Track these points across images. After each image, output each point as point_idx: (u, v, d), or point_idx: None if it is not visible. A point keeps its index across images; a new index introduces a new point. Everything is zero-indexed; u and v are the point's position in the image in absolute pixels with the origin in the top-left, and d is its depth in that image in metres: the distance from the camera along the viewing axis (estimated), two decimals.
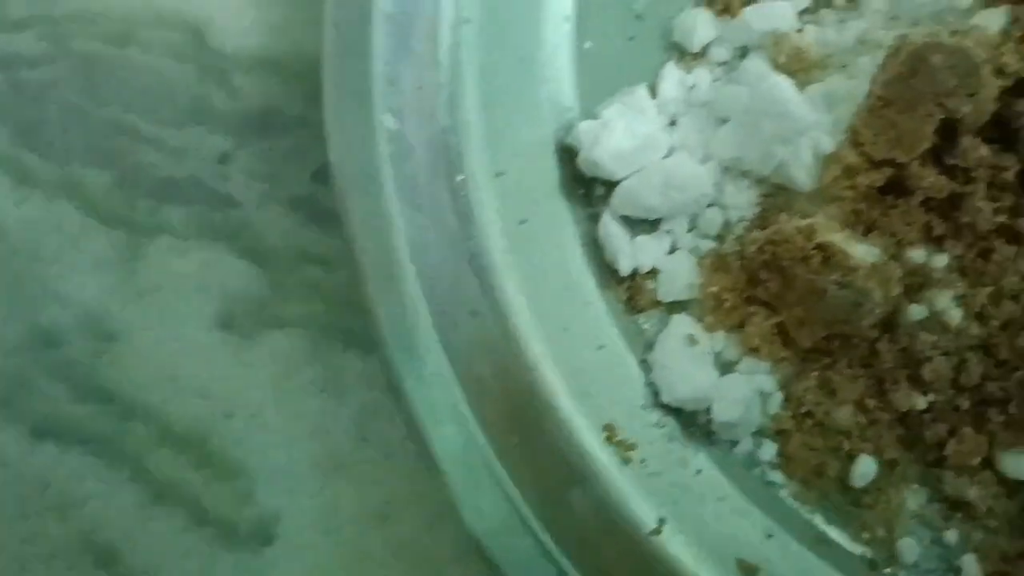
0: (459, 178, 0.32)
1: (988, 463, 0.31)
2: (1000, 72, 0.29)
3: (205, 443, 0.36)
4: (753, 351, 0.32)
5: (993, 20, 0.29)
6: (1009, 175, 0.30)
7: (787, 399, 0.32)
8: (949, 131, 0.30)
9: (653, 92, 0.34)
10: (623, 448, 0.32)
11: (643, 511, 0.31)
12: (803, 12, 0.34)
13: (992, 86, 0.29)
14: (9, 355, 0.38)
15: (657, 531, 0.31)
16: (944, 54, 0.28)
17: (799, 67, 0.32)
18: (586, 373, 0.32)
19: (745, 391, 0.32)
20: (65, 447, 0.37)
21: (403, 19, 0.33)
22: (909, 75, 0.29)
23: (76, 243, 0.38)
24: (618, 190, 0.33)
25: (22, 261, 0.38)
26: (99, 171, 0.39)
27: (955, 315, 0.30)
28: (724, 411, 0.31)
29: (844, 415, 0.32)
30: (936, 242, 0.31)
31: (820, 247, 0.30)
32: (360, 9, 0.32)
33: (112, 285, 0.38)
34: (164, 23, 0.39)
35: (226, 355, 0.35)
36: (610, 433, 0.32)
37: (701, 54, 0.34)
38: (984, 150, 0.29)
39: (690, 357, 0.32)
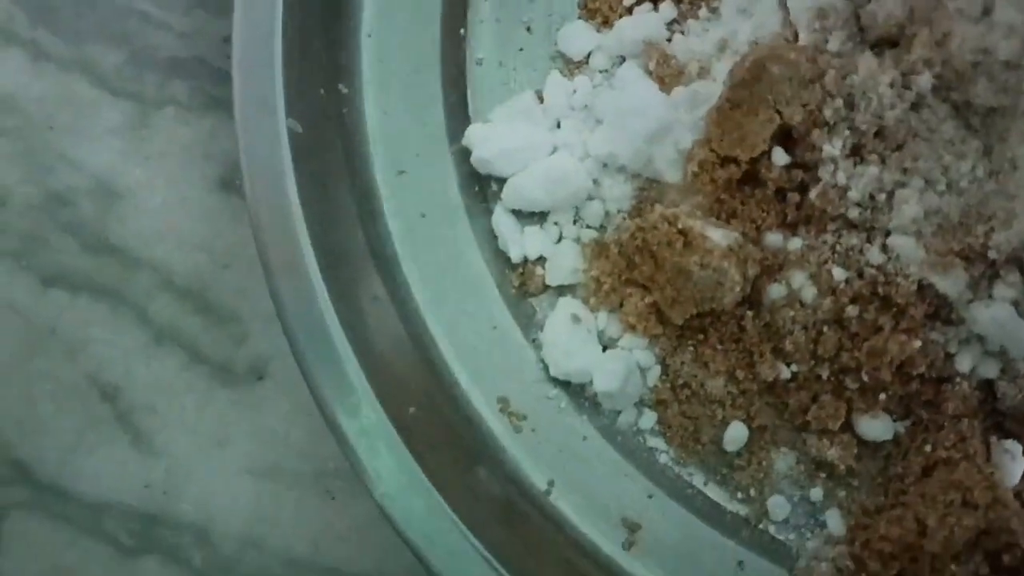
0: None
1: (847, 426, 0.34)
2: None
3: (204, 292, 0.38)
4: (632, 328, 0.35)
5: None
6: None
7: (665, 372, 0.35)
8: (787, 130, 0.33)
9: (540, 97, 0.37)
10: (516, 418, 0.35)
11: (534, 474, 0.34)
12: (671, 22, 0.37)
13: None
14: (24, 214, 0.40)
15: (547, 491, 0.34)
16: (782, 64, 0.31)
17: (667, 72, 0.36)
18: (481, 352, 0.35)
19: (625, 365, 0.34)
20: (73, 295, 0.39)
21: (307, 31, 0.35)
22: (753, 81, 0.32)
23: (88, 113, 0.41)
24: (508, 185, 0.36)
25: (37, 130, 0.41)
26: (111, 50, 0.41)
27: (809, 293, 0.33)
28: (605, 382, 0.34)
29: (716, 385, 0.35)
30: (790, 228, 0.34)
31: (682, 232, 0.33)
32: (266, 23, 0.34)
33: (121, 151, 0.40)
34: None
35: (226, 213, 0.37)
36: (504, 405, 0.35)
37: (583, 62, 0.37)
38: (824, 151, 0.33)
39: (575, 335, 0.35)
